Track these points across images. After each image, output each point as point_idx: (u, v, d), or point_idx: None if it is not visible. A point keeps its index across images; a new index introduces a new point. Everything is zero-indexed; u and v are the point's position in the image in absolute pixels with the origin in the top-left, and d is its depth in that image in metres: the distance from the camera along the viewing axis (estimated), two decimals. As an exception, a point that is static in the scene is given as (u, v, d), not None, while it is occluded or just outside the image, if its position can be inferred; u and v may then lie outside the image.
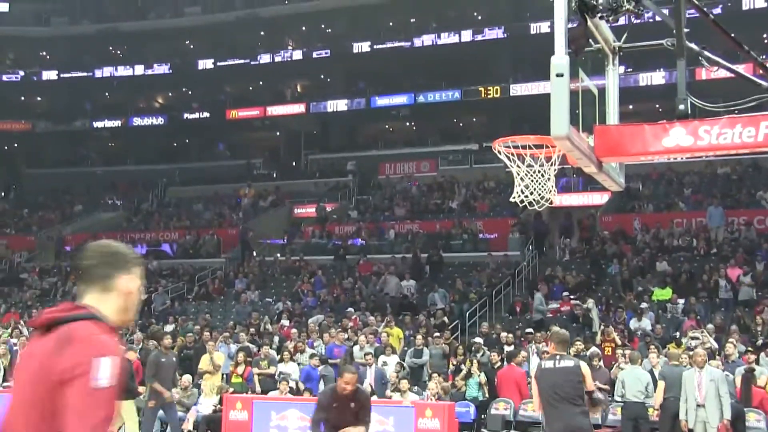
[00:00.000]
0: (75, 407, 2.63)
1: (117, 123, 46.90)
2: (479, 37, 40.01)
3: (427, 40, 41.15)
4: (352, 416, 8.04)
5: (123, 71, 46.09)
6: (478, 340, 18.13)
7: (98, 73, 46.33)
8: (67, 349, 2.69)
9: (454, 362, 16.90)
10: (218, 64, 44.66)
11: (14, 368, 2.60)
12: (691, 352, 13.41)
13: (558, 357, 8.19)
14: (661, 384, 12.92)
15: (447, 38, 40.64)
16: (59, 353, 2.69)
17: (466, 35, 40.23)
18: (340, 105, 42.89)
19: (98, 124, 47.15)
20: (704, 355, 12.80)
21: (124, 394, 13.07)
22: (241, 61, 44.52)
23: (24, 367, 2.84)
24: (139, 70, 45.85)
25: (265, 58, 44.10)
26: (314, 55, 43.46)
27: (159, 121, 46.69)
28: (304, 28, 46.02)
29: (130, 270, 2.98)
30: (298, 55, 43.99)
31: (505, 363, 15.68)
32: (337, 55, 42.67)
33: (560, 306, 21.81)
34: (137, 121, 46.71)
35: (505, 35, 39.63)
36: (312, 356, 16.99)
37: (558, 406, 7.95)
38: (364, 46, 42.03)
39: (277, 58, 43.91)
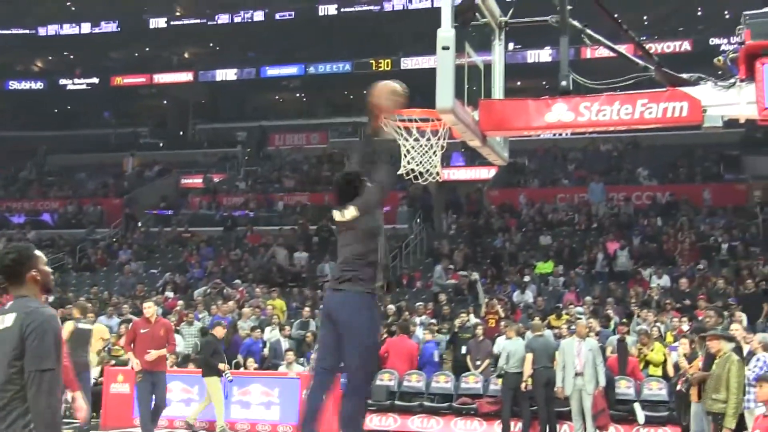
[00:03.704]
0: None
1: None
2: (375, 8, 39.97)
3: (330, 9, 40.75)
4: None
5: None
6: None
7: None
8: None
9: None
10: (102, 28, 43.13)
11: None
12: (573, 325, 13.96)
13: None
14: (529, 356, 13.41)
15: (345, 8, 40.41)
16: None
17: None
18: (230, 74, 42.18)
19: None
20: (586, 327, 13.34)
21: (209, 370, 13.34)
22: (129, 27, 43.16)
23: None
24: (19, 32, 43.95)
25: (153, 23, 42.91)
26: (207, 21, 42.55)
27: (38, 85, 44.92)
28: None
29: None
30: (189, 20, 42.96)
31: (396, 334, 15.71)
32: (228, 23, 41.91)
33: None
34: (14, 85, 44.80)
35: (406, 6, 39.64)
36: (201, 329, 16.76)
37: None
38: (257, 15, 41.38)
39: (164, 24, 42.79)
